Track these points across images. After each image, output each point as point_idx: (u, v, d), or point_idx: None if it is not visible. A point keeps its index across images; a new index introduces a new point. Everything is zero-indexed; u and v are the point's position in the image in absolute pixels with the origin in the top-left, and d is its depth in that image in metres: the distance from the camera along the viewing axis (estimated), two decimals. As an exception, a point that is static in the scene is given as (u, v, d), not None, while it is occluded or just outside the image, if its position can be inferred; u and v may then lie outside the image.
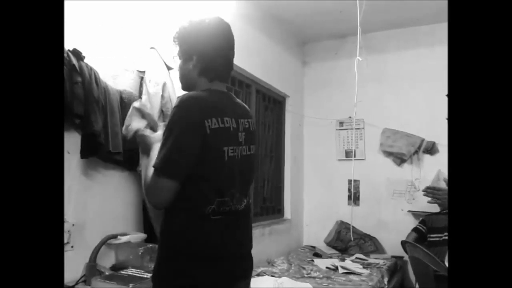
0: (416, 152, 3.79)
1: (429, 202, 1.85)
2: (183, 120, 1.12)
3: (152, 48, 2.14)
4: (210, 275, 1.13)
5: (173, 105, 1.17)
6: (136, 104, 1.50)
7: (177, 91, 2.07)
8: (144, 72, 2.11)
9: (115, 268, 1.77)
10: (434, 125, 3.72)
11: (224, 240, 1.17)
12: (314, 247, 3.98)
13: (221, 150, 1.16)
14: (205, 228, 1.14)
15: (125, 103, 1.98)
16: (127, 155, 1.96)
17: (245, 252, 1.28)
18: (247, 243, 1.30)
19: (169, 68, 2.17)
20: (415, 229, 3.27)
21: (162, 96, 2.04)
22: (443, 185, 1.83)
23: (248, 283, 1.32)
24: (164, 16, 2.28)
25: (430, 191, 1.78)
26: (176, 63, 1.33)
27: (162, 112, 2.04)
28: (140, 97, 2.06)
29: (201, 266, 1.13)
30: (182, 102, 1.14)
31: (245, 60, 3.15)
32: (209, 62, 1.23)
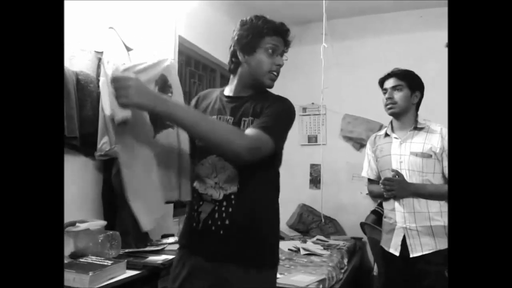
0: (375, 137, 3.90)
1: (387, 195, 1.98)
2: (293, 116, 1.43)
3: (110, 28, 2.05)
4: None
5: (283, 98, 1.45)
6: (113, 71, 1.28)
7: (137, 74, 2.00)
8: (102, 53, 2.01)
9: (74, 256, 1.72)
10: (392, 111, 3.84)
11: None
12: (276, 230, 4.05)
13: None
14: None
15: (81, 85, 1.90)
16: (84, 140, 1.89)
17: None
18: None
19: (128, 49, 2.09)
20: (373, 211, 3.40)
21: (122, 79, 1.97)
22: (390, 175, 1.96)
23: None
24: (123, -6, 2.19)
25: (388, 183, 1.93)
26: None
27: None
28: (97, 78, 1.98)
29: None
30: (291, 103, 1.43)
31: (210, 44, 3.10)
32: None
